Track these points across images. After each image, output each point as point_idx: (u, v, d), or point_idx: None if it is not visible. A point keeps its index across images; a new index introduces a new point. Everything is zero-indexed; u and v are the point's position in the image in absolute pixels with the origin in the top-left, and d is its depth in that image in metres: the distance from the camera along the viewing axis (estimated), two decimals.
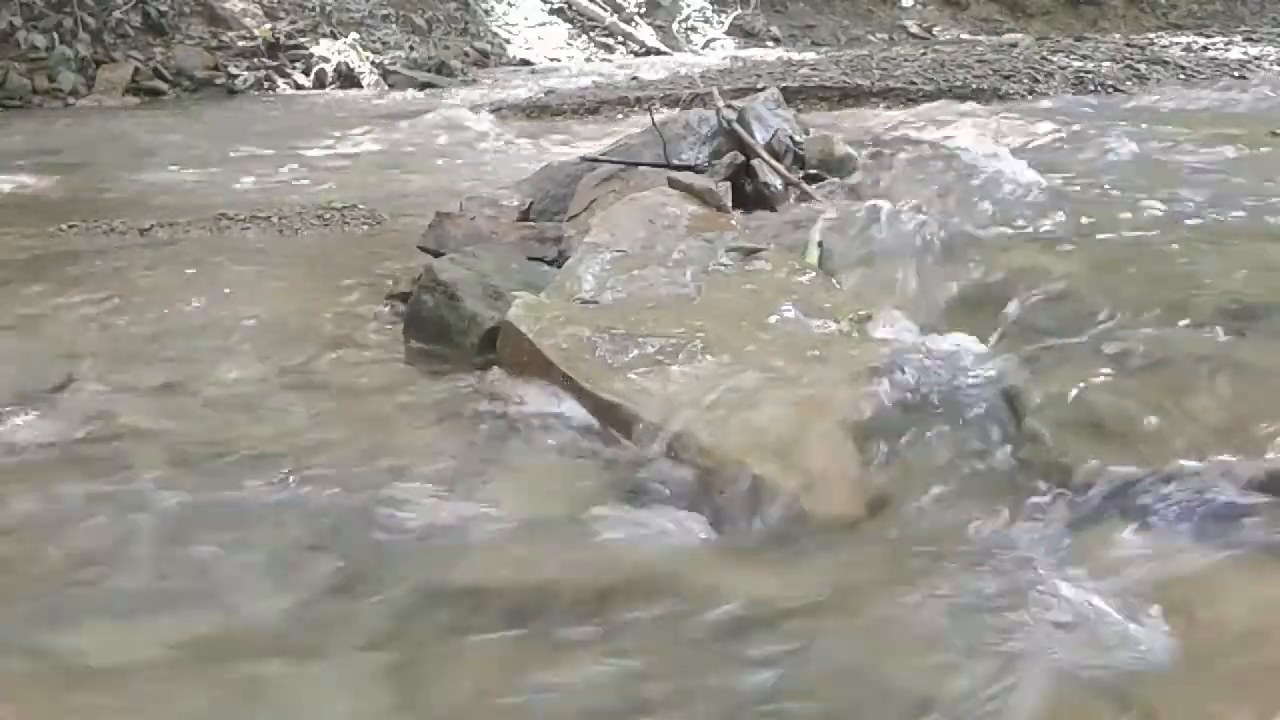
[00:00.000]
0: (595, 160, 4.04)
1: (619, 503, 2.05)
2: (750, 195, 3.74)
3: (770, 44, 15.60)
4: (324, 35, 12.10)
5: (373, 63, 11.70)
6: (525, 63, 13.65)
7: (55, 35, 10.25)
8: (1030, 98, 7.62)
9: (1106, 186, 3.77)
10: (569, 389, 2.37)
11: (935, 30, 16.78)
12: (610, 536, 1.94)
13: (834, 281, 2.92)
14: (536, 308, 2.65)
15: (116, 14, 10.98)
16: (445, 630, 1.70)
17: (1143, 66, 8.56)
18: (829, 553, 1.87)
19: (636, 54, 14.50)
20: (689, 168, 3.74)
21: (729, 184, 3.64)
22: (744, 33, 16.04)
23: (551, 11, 15.08)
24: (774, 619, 1.67)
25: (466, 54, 13.09)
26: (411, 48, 12.51)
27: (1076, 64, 8.57)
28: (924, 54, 9.91)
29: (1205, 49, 9.92)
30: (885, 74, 8.42)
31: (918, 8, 17.60)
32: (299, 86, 11.33)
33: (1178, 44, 10.46)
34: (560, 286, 2.78)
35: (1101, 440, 2.00)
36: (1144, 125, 5.58)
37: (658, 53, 14.55)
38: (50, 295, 3.54)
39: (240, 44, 11.72)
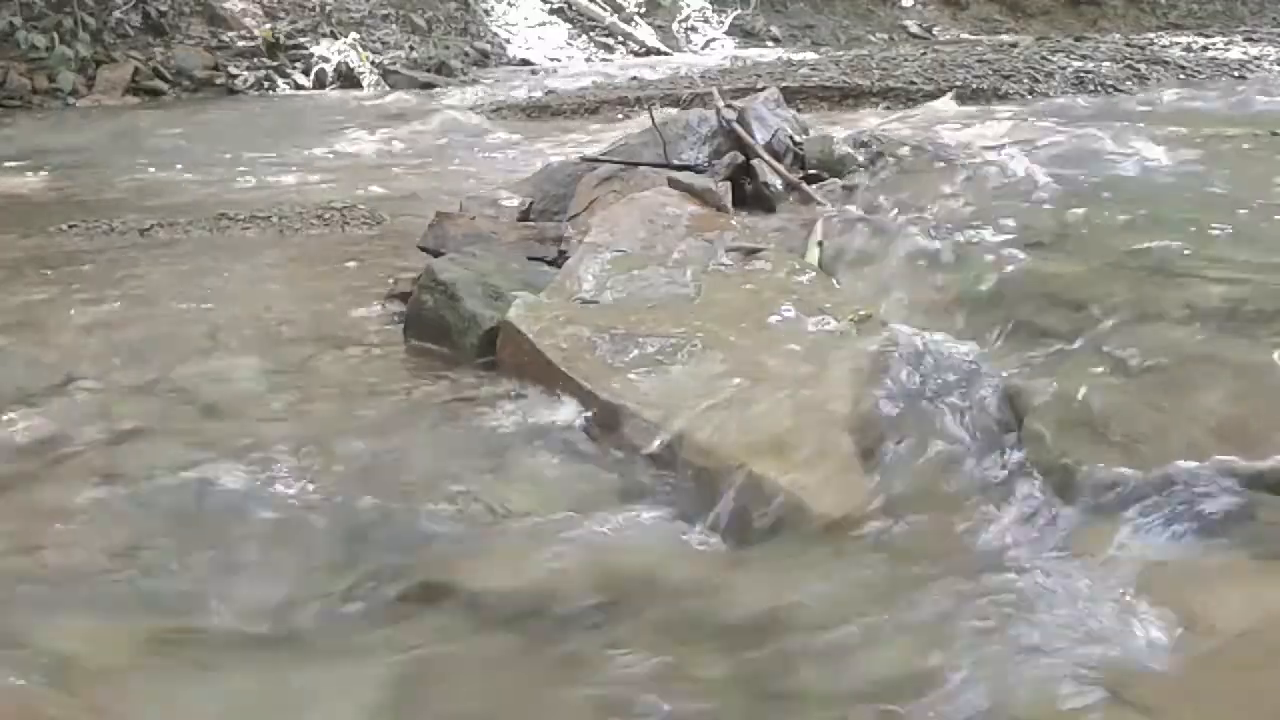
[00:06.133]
0: (595, 160, 4.05)
1: (619, 503, 2.05)
2: (750, 195, 3.75)
3: (770, 44, 15.59)
4: (324, 35, 12.10)
5: (373, 63, 11.70)
6: (525, 63, 13.65)
7: (55, 35, 10.25)
8: (1030, 98, 7.63)
9: (1106, 186, 3.77)
10: (569, 389, 2.37)
11: (935, 30, 16.79)
12: (610, 537, 1.94)
13: (834, 281, 2.93)
14: (536, 308, 2.65)
15: (116, 14, 10.98)
16: (444, 631, 1.70)
17: (1143, 66, 8.57)
18: (829, 553, 1.87)
19: (636, 54, 14.50)
20: (689, 168, 3.75)
21: (729, 184, 3.64)
22: (744, 33, 16.04)
23: (551, 11, 15.08)
24: (774, 620, 1.67)
25: (466, 54, 13.09)
26: (411, 48, 12.51)
27: (1076, 64, 8.58)
28: (924, 54, 9.91)
29: (1205, 49, 9.93)
30: (885, 74, 8.43)
31: (918, 8, 17.60)
32: (299, 86, 11.32)
33: (1178, 44, 10.47)
34: (560, 286, 2.78)
35: (1101, 440, 2.00)
36: (1144, 125, 5.58)
37: (658, 53, 14.54)
38: (50, 295, 3.54)
39: (240, 44, 11.72)
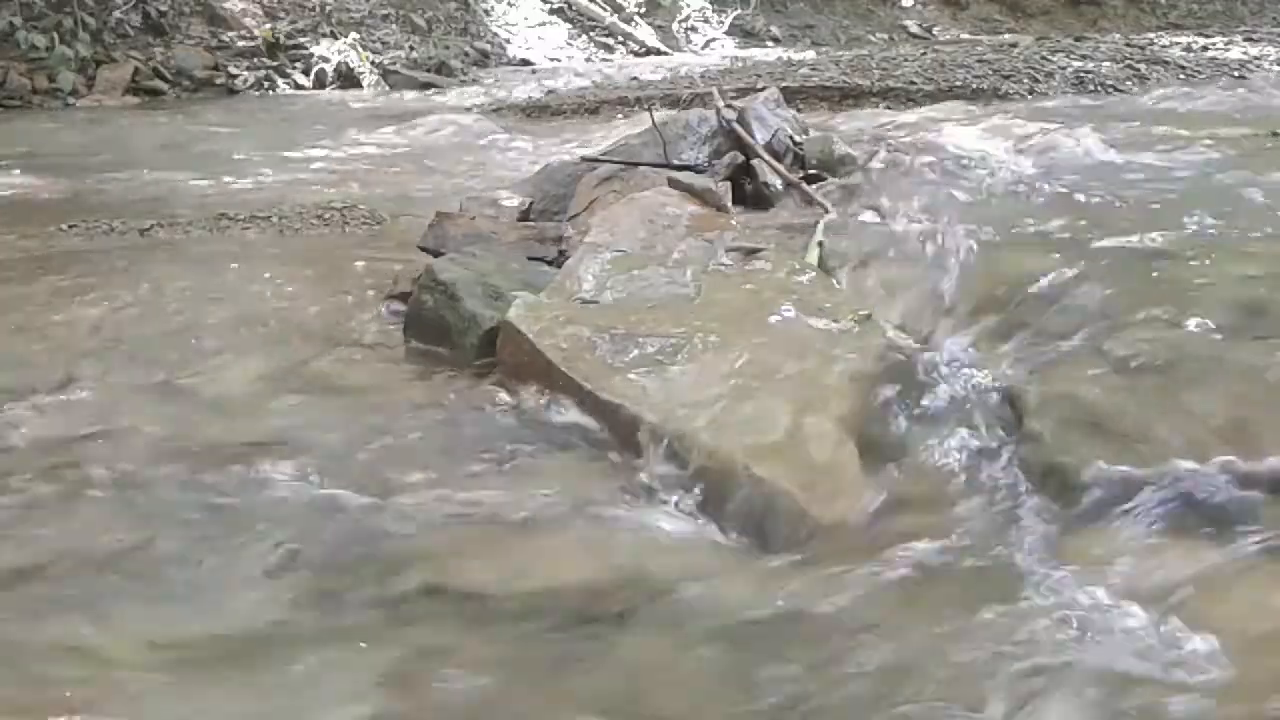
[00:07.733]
0: (595, 160, 4.05)
1: (619, 504, 2.05)
2: (750, 195, 3.75)
3: (770, 44, 15.59)
4: (324, 35, 12.10)
5: (373, 63, 11.70)
6: (525, 63, 13.65)
7: (55, 35, 10.24)
8: (1030, 98, 7.62)
9: (1106, 187, 3.76)
10: (569, 389, 2.37)
11: (935, 30, 16.78)
12: (610, 538, 1.94)
13: (834, 281, 2.92)
14: (536, 308, 2.65)
15: (116, 14, 10.98)
16: (444, 632, 1.70)
17: (1143, 66, 8.55)
18: (830, 554, 1.87)
19: (636, 54, 14.50)
20: (689, 168, 3.74)
21: (729, 184, 3.64)
22: (744, 33, 16.03)
23: (551, 11, 15.07)
24: (774, 622, 1.67)
25: (466, 54, 13.08)
26: (411, 48, 12.50)
27: (1076, 64, 8.57)
28: (924, 54, 9.90)
29: (1205, 49, 9.91)
30: (885, 74, 8.42)
31: (918, 8, 17.60)
32: (299, 86, 11.32)
33: (1178, 44, 10.45)
34: (560, 286, 2.78)
35: (1101, 440, 2.00)
36: (1144, 125, 5.58)
37: (658, 53, 14.54)
38: (50, 295, 3.54)
39: (240, 44, 11.71)
